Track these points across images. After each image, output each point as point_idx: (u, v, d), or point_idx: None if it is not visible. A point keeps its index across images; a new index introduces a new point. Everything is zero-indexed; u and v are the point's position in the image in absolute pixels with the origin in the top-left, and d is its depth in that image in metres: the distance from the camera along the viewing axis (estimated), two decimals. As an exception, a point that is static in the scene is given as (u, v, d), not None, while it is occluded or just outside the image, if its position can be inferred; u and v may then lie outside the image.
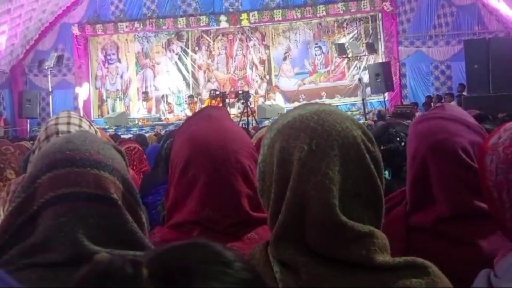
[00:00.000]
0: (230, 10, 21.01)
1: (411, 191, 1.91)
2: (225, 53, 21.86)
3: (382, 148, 3.12)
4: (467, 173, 1.75)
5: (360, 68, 19.39)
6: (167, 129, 15.33)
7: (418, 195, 1.88)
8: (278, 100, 19.59)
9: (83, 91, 20.36)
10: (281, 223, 1.21)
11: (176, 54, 21.93)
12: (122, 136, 12.54)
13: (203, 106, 18.62)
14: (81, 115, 2.50)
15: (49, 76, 18.52)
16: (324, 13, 20.35)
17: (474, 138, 1.80)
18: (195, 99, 20.08)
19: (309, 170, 1.18)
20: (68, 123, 2.23)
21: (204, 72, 21.94)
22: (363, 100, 16.91)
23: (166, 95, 20.89)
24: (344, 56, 18.53)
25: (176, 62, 21.92)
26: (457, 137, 1.78)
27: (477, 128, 1.84)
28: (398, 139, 2.68)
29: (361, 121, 12.57)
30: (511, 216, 1.34)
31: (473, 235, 1.73)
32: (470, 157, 1.76)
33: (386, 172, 2.94)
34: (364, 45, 19.44)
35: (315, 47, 21.35)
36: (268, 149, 1.29)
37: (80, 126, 2.26)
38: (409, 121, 3.83)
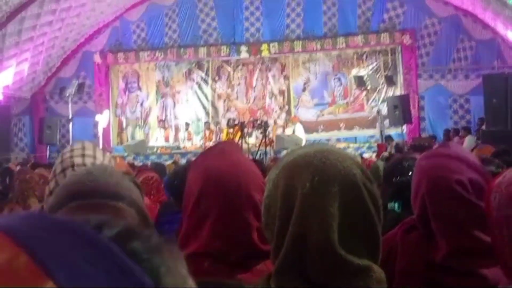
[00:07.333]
0: (251, 40, 21.23)
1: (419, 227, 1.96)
2: (245, 83, 21.98)
3: (394, 180, 3.17)
4: (464, 207, 1.78)
5: (378, 100, 19.40)
6: (186, 157, 15.43)
7: (424, 231, 1.92)
8: (297, 131, 19.61)
9: (103, 119, 20.51)
10: (283, 255, 1.26)
11: (196, 83, 22.08)
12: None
13: (221, 135, 18.77)
14: (100, 143, 2.55)
15: (69, 103, 18.72)
16: (344, 45, 20.49)
17: (473, 176, 1.82)
18: (211, 126, 20.24)
19: (311, 206, 1.24)
20: (83, 155, 2.27)
21: (224, 101, 22.04)
22: (381, 132, 16.90)
23: (186, 124, 21.00)
24: (363, 88, 18.56)
25: (196, 91, 22.06)
26: (455, 174, 1.82)
27: (478, 167, 1.86)
28: (410, 173, 2.72)
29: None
30: (510, 251, 1.40)
31: (480, 267, 1.76)
32: (467, 192, 1.79)
33: (396, 205, 3.00)
34: (383, 77, 19.45)
35: (334, 78, 21.39)
36: (273, 185, 1.35)
37: (94, 157, 2.31)
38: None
